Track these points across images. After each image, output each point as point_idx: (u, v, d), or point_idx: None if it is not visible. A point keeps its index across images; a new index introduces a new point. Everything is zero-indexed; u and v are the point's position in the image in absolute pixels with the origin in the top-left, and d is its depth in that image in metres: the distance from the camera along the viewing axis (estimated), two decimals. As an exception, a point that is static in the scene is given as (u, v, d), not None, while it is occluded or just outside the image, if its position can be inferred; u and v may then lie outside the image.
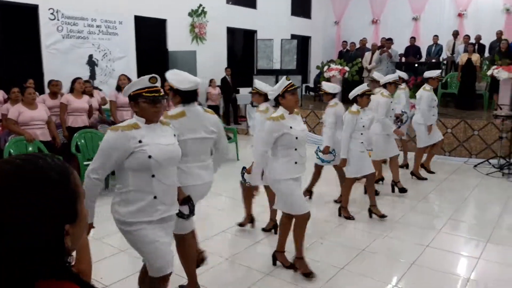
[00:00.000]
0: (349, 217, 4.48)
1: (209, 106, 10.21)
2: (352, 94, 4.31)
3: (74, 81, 5.92)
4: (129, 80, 6.42)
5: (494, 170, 6.40)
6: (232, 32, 11.87)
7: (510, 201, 5.18)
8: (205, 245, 3.46)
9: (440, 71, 6.06)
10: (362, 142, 4.28)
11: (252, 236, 4.11)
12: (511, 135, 6.42)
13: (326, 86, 4.80)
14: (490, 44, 10.27)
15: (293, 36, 12.87)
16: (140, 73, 9.33)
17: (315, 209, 4.30)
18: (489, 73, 7.86)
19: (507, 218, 4.65)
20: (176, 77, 2.66)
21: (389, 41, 10.21)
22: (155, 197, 2.22)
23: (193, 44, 10.46)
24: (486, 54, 10.12)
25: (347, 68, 9.51)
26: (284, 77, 3.16)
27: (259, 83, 4.04)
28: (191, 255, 2.86)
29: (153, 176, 2.19)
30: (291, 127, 3.03)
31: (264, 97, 3.94)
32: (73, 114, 5.73)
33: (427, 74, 5.99)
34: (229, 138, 7.53)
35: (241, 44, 12.66)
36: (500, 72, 7.54)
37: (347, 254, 3.64)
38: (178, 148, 2.33)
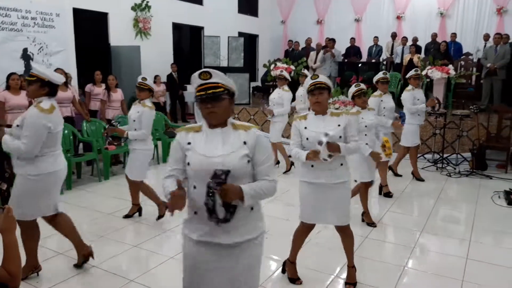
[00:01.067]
0: (372, 223, 4.35)
1: (154, 103, 9.95)
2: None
3: (8, 77, 5.57)
4: (66, 74, 6.14)
5: (429, 164, 6.81)
6: (178, 28, 11.66)
7: (443, 193, 5.54)
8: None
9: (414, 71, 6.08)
10: (367, 144, 4.07)
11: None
12: (443, 132, 6.84)
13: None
14: (426, 45, 10.90)
15: (241, 34, 12.88)
16: (79, 68, 8.91)
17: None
18: (424, 73, 8.32)
19: (440, 210, 4.96)
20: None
21: (332, 41, 10.51)
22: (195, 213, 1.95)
23: (137, 39, 10.14)
24: (422, 55, 10.72)
25: (293, 67, 9.67)
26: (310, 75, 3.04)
27: None
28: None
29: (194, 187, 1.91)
30: (305, 128, 2.96)
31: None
32: (13, 112, 5.41)
33: (409, 74, 6.01)
34: (175, 135, 7.40)
35: (188, 40, 12.47)
36: (433, 72, 8.02)
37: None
38: (230, 159, 1.85)
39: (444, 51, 9.22)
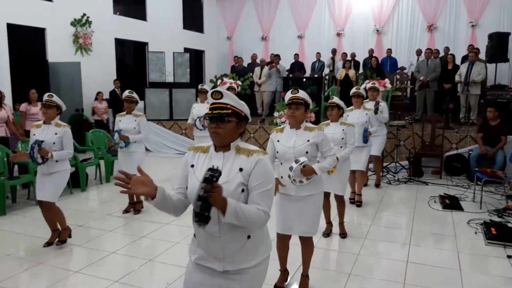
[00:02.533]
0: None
1: (96, 121, 9.63)
2: None
3: None
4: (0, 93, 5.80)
5: (370, 173, 7.06)
6: (121, 44, 11.42)
7: (384, 201, 5.80)
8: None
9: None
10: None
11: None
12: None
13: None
14: (364, 60, 11.48)
15: (186, 50, 12.85)
16: (14, 85, 8.46)
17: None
18: (362, 86, 8.73)
19: (382, 216, 5.18)
20: None
21: (277, 57, 10.78)
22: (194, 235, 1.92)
23: (77, 55, 9.81)
24: (361, 69, 11.27)
25: (239, 82, 9.77)
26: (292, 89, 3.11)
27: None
28: None
29: None
30: (278, 141, 3.10)
31: None
32: None
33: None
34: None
35: (132, 56, 12.24)
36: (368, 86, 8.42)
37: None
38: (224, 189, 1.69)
39: (375, 66, 9.76)
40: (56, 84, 9.01)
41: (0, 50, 8.21)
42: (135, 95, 5.15)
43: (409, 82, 10.32)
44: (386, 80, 8.63)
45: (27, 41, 9.05)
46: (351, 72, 9.57)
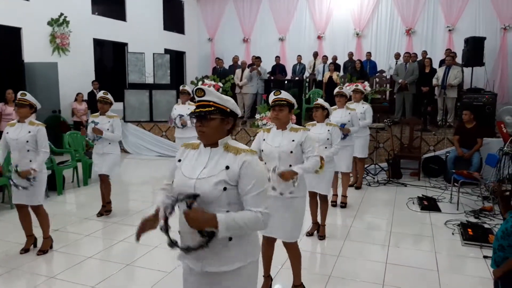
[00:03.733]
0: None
1: (75, 122, 9.44)
2: None
3: None
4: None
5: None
6: (100, 44, 11.24)
7: (364, 202, 5.86)
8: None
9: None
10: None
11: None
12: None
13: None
14: (344, 63, 11.60)
15: (167, 51, 12.73)
16: (-11, 86, 8.20)
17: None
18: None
19: (362, 217, 5.22)
20: None
21: (258, 59, 10.78)
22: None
23: (54, 56, 9.59)
24: (341, 72, 11.38)
25: (220, 84, 9.73)
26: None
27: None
28: None
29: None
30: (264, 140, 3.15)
31: None
32: None
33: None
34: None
35: (111, 56, 12.05)
36: (351, 88, 8.51)
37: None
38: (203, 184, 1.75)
39: (359, 68, 9.86)
40: (32, 84, 8.78)
41: (-27, 49, 7.97)
42: (109, 96, 5.16)
43: (388, 85, 10.48)
44: (366, 83, 8.73)
45: (2, 41, 8.81)
46: (335, 75, 9.69)
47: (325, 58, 11.49)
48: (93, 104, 9.58)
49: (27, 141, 3.85)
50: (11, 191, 4.05)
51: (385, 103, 10.52)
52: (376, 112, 9.62)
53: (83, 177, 6.81)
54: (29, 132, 3.86)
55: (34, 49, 9.14)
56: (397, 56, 11.11)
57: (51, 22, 9.48)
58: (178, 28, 14.33)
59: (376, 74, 11.12)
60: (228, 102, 1.85)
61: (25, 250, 4.04)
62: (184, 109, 6.15)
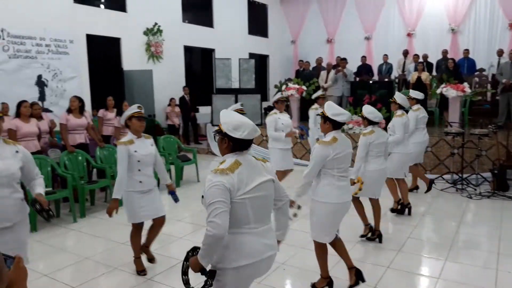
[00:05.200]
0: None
1: (169, 126, 10.01)
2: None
3: (19, 105, 5.61)
4: (80, 101, 6.18)
5: (448, 185, 6.62)
6: (189, 51, 11.77)
7: (465, 216, 5.35)
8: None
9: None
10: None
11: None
12: (462, 151, 6.67)
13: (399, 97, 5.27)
14: (437, 62, 10.80)
15: (251, 55, 12.95)
16: (93, 93, 9.01)
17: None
18: (438, 91, 8.20)
19: (463, 235, 4.77)
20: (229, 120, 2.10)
21: (344, 60, 10.48)
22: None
23: (149, 63, 10.25)
24: (434, 72, 10.61)
25: (304, 87, 9.63)
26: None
27: None
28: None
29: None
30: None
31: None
32: (24, 140, 5.40)
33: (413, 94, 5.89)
34: (188, 159, 7.35)
35: (199, 62, 12.57)
36: (448, 91, 7.89)
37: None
38: None
39: (452, 68, 9.09)
40: (130, 91, 9.47)
41: (80, 59, 8.80)
42: None
43: (489, 86, 9.54)
44: (465, 84, 8.00)
45: (104, 51, 9.61)
46: (424, 75, 9.04)
47: (416, 56, 10.81)
48: (184, 109, 10.10)
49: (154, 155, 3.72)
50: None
51: (486, 105, 9.62)
52: (477, 116, 8.83)
53: (175, 179, 7.15)
54: (152, 145, 3.76)
55: (132, 58, 9.84)
56: (500, 53, 10.06)
57: (147, 32, 10.14)
58: (262, 32, 14.51)
59: (475, 73, 10.20)
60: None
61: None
62: (286, 117, 5.74)
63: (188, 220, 5.35)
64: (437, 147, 7.39)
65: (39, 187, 2.80)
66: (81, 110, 6.19)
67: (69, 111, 6.13)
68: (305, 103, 9.16)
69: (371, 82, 10.63)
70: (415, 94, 5.94)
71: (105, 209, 5.81)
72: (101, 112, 7.24)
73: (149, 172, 3.66)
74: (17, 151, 2.65)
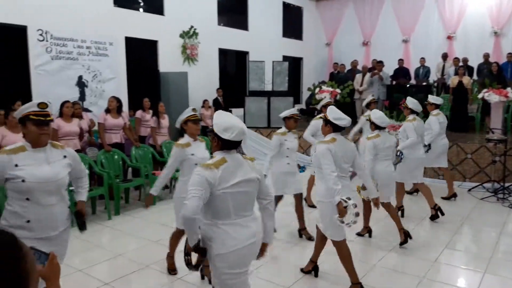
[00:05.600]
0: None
1: (203, 127, 10.13)
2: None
3: (62, 105, 5.82)
4: (118, 102, 6.35)
5: (489, 194, 6.33)
6: (224, 53, 11.88)
7: (506, 227, 5.10)
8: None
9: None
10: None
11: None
12: (504, 159, 6.37)
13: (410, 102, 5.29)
14: (478, 66, 10.39)
15: (285, 58, 12.92)
16: (130, 94, 9.24)
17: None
18: (480, 96, 7.88)
19: (504, 246, 4.55)
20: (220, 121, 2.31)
21: (380, 63, 10.26)
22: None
23: (185, 65, 10.42)
24: (474, 76, 10.21)
25: (338, 90, 9.50)
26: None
27: None
28: None
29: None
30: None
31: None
32: (65, 139, 5.59)
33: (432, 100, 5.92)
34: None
35: (233, 65, 12.67)
36: (491, 96, 7.57)
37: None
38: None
39: (496, 72, 8.69)
40: (166, 92, 9.66)
41: (119, 61, 9.06)
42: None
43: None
44: (508, 89, 7.65)
45: (141, 53, 9.86)
46: (466, 79, 8.70)
47: (456, 60, 10.43)
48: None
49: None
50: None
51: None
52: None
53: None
54: (205, 149, 3.72)
55: (168, 60, 10.04)
56: (548, 56, 9.55)
57: (183, 35, 10.31)
58: (296, 35, 14.45)
59: (521, 78, 9.73)
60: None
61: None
62: (292, 138, 5.47)
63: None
64: (478, 154, 7.09)
65: (83, 192, 2.81)
66: (118, 110, 6.36)
67: (107, 111, 6.31)
68: (339, 107, 9.01)
69: (408, 85, 10.37)
70: (434, 99, 5.96)
71: (139, 208, 5.99)
72: (139, 113, 7.40)
73: None
74: (65, 156, 2.59)
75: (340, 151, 3.29)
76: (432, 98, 5.99)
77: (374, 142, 4.30)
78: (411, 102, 5.33)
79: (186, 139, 3.59)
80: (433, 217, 5.22)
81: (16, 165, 2.36)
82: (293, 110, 4.71)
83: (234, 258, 2.25)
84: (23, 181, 2.34)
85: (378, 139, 4.32)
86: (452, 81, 9.04)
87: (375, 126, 4.38)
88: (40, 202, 2.41)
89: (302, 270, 3.80)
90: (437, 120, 5.78)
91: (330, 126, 3.35)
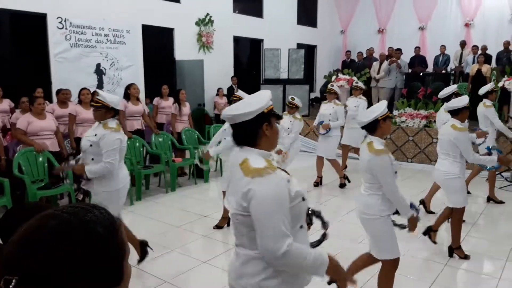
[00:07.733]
0: (465, 257, 3.87)
1: (216, 115, 10.17)
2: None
3: (80, 92, 5.92)
4: (137, 89, 6.43)
5: (507, 183, 6.31)
6: (238, 41, 11.85)
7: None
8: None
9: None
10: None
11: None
12: (524, 148, 6.33)
13: None
14: (497, 54, 10.23)
15: (299, 45, 12.84)
16: (147, 82, 9.30)
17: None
18: (500, 84, 7.78)
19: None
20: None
21: (398, 51, 10.17)
22: None
23: (200, 53, 10.44)
24: (493, 64, 10.06)
25: (355, 78, 9.45)
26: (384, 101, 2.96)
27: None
28: None
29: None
30: None
31: None
32: (82, 125, 5.69)
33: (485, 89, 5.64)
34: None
35: (248, 53, 12.64)
36: (511, 84, 7.47)
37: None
38: None
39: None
40: (182, 80, 9.71)
41: (136, 49, 9.11)
42: (296, 101, 5.82)
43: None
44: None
45: (158, 41, 9.89)
46: (485, 68, 8.61)
47: (475, 48, 10.27)
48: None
49: (91, 145, 3.49)
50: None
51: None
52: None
53: (220, 167, 7.28)
54: (95, 134, 3.50)
55: (184, 48, 10.06)
56: None
57: (198, 22, 10.31)
58: (310, 22, 14.32)
59: (540, 66, 9.56)
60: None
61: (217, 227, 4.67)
62: (329, 107, 6.37)
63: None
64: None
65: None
66: (138, 98, 6.43)
67: (128, 98, 6.37)
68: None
69: (425, 74, 10.27)
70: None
71: (158, 194, 6.10)
72: (156, 101, 7.45)
73: None
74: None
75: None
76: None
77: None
78: None
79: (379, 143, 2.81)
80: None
81: None
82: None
83: None
84: None
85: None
86: (472, 69, 8.93)
87: None
88: None
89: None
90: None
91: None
